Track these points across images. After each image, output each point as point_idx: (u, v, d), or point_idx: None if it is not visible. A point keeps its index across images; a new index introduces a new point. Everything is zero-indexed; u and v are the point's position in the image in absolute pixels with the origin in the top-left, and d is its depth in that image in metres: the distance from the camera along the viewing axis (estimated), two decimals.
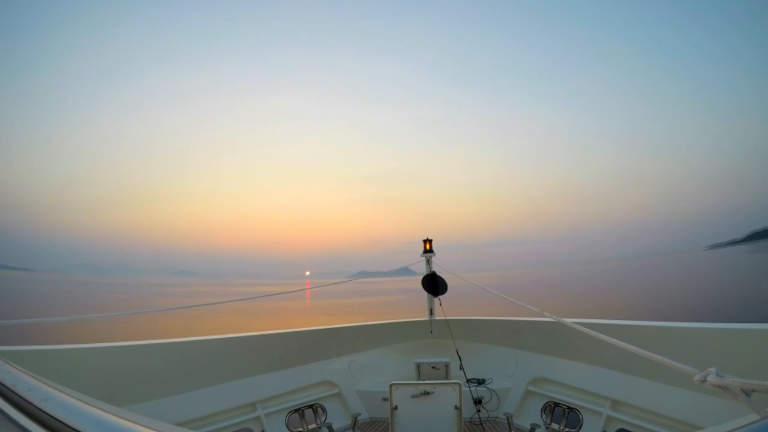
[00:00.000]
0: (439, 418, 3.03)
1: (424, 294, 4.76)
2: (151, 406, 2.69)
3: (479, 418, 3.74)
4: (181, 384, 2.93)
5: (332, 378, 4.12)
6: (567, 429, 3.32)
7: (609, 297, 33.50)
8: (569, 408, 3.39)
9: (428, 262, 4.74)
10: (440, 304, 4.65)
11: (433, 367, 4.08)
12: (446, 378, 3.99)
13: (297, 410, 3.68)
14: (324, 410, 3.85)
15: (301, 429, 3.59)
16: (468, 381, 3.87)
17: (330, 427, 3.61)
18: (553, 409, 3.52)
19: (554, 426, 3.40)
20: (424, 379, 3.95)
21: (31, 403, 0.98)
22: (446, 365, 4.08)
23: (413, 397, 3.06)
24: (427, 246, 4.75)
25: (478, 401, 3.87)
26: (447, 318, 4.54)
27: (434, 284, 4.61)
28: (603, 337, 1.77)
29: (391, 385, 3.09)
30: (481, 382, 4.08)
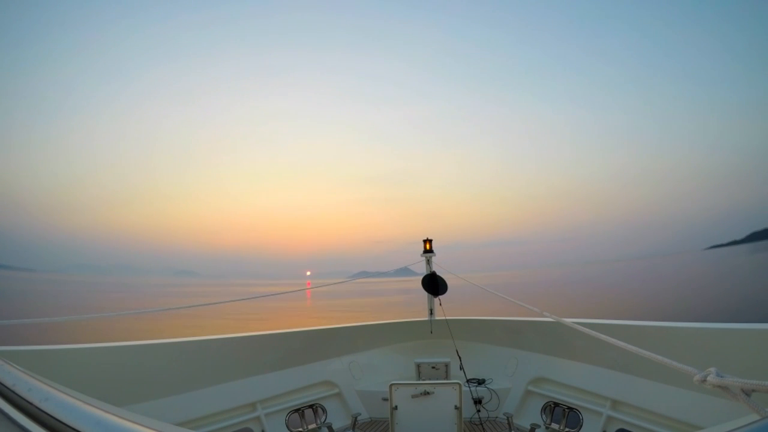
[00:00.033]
0: (439, 418, 3.03)
1: (424, 294, 4.77)
2: (151, 406, 2.69)
3: (479, 418, 3.74)
4: (181, 384, 2.93)
5: (332, 378, 4.11)
6: (567, 429, 3.32)
7: (609, 297, 33.49)
8: (569, 408, 3.39)
9: (428, 262, 4.74)
10: (440, 304, 4.65)
11: (433, 367, 4.08)
12: (446, 378, 3.99)
13: (297, 410, 3.68)
14: (324, 410, 3.85)
15: (301, 429, 3.59)
16: (468, 381, 3.87)
17: (330, 427, 3.61)
18: (553, 409, 3.52)
19: (554, 426, 3.40)
20: (424, 379, 3.95)
21: (31, 403, 0.98)
22: (446, 365, 4.07)
23: (413, 397, 3.06)
24: (427, 246, 4.75)
25: (478, 401, 3.87)
26: (447, 318, 4.54)
27: (434, 284, 4.61)
28: (603, 337, 1.77)
29: (391, 385, 3.09)
30: (481, 382, 4.08)
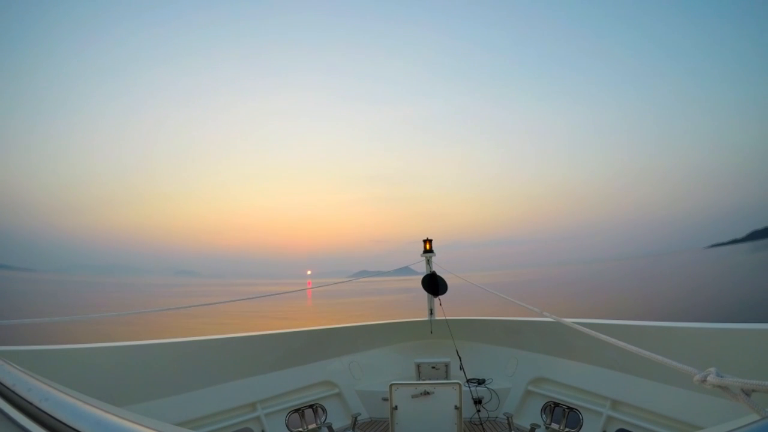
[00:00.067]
0: (439, 418, 3.03)
1: (425, 294, 4.76)
2: (151, 406, 2.69)
3: (479, 418, 3.74)
4: (181, 384, 2.93)
5: (332, 378, 4.12)
6: (567, 429, 3.32)
7: (609, 297, 33.48)
8: (569, 408, 3.39)
9: (428, 262, 4.74)
10: (440, 304, 4.64)
11: (433, 367, 4.08)
12: (446, 378, 3.99)
13: (297, 410, 3.68)
14: (324, 410, 3.85)
15: (301, 429, 3.59)
16: (468, 381, 3.87)
17: (330, 427, 3.61)
18: (553, 409, 3.52)
19: (554, 426, 3.40)
20: (424, 379, 3.95)
21: (31, 403, 0.98)
22: (446, 365, 4.07)
23: (413, 397, 3.06)
24: (427, 246, 4.75)
25: (478, 401, 3.87)
26: (447, 318, 4.53)
27: (434, 284, 4.61)
28: (603, 337, 1.77)
29: (391, 385, 3.09)
30: (481, 382, 4.08)
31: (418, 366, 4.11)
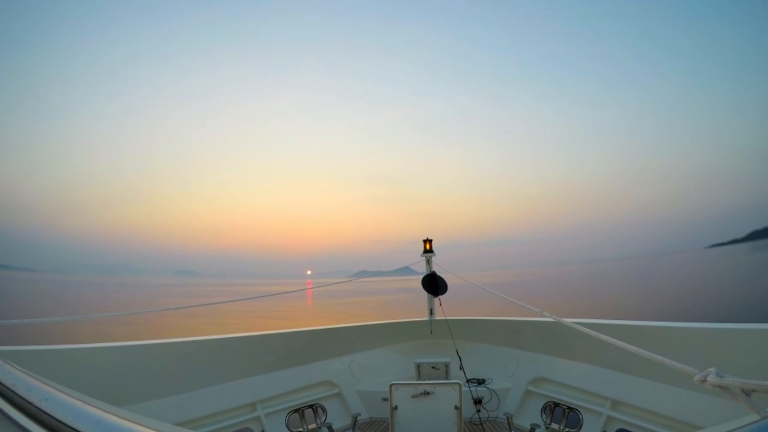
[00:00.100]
0: (439, 418, 3.03)
1: (425, 294, 4.76)
2: (151, 406, 2.69)
3: (479, 418, 3.74)
4: (181, 384, 2.93)
5: (332, 378, 4.12)
6: (567, 429, 3.32)
7: (609, 297, 33.48)
8: (569, 408, 3.39)
9: (428, 262, 4.74)
10: (440, 304, 4.65)
11: (433, 367, 4.08)
12: (446, 378, 3.99)
13: (297, 410, 3.68)
14: (324, 410, 3.85)
15: (301, 429, 3.59)
16: (468, 381, 3.87)
17: (330, 427, 3.61)
18: (553, 409, 3.52)
19: (554, 426, 3.40)
20: (424, 379, 3.95)
21: (31, 403, 0.98)
22: (446, 365, 4.07)
23: (413, 397, 3.06)
24: (427, 246, 4.75)
25: (478, 401, 3.87)
26: (447, 318, 4.53)
27: (434, 284, 4.61)
28: (603, 337, 1.77)
29: (391, 385, 3.09)
30: (481, 382, 4.08)
31: (418, 366, 4.11)
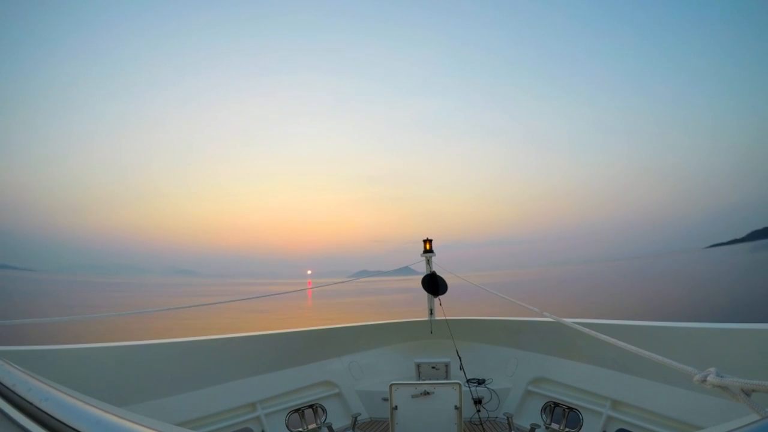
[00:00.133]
0: (439, 418, 3.03)
1: (425, 294, 4.76)
2: (151, 406, 2.69)
3: (479, 418, 3.74)
4: (181, 384, 2.93)
5: (332, 378, 4.12)
6: (567, 429, 3.32)
7: (609, 297, 33.47)
8: (569, 408, 3.39)
9: (428, 262, 4.74)
10: (440, 304, 4.64)
11: (433, 367, 4.08)
12: (446, 378, 3.99)
13: (297, 410, 3.68)
14: (324, 410, 3.85)
15: (301, 429, 3.59)
16: (468, 381, 3.87)
17: (330, 427, 3.61)
18: (553, 409, 3.52)
19: (554, 426, 3.40)
20: (424, 379, 3.95)
21: (31, 403, 0.98)
22: (446, 365, 4.07)
23: (413, 397, 3.06)
24: (427, 246, 4.75)
25: (478, 401, 3.87)
26: (447, 318, 4.53)
27: (434, 284, 4.61)
28: (603, 337, 1.77)
29: (391, 385, 3.09)
30: (481, 382, 4.08)
31: (418, 366, 4.11)
